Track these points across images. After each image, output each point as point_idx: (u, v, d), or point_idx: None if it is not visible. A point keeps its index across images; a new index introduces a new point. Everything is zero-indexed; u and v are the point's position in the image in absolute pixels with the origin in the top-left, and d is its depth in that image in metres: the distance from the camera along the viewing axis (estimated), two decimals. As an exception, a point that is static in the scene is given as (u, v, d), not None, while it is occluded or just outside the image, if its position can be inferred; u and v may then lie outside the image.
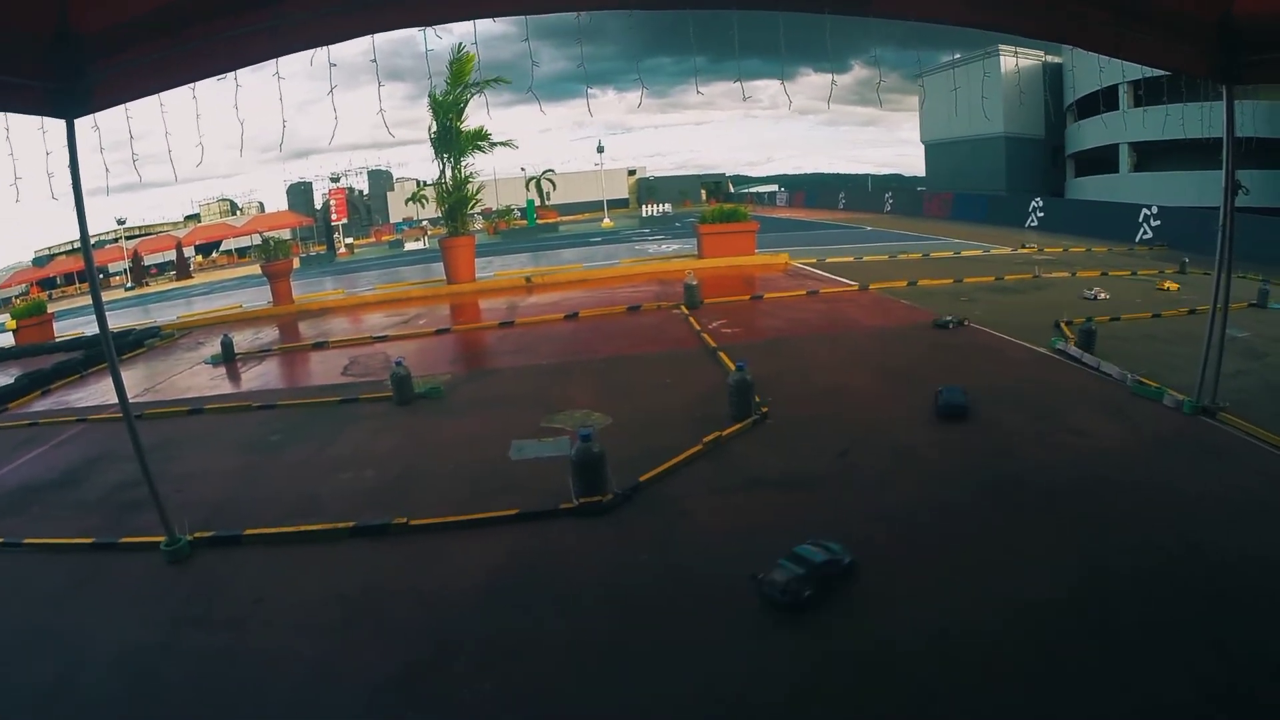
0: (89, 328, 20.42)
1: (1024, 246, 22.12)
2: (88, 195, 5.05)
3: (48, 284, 56.19)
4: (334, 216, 58.04)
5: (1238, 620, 3.95)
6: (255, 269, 28.14)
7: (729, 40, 5.71)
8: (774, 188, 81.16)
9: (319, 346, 13.82)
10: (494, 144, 20.65)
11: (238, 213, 77.72)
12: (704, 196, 76.32)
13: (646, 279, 19.07)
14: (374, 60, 5.22)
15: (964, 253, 21.36)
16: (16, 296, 47.23)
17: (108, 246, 57.74)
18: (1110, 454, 6.31)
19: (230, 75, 5.19)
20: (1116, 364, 8.35)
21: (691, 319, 12.93)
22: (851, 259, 20.45)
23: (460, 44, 18.12)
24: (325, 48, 5.10)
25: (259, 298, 21.73)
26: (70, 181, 4.99)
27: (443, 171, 20.28)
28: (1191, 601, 4.13)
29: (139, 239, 60.71)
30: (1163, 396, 7.36)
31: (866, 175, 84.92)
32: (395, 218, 73.28)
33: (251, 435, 8.50)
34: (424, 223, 56.86)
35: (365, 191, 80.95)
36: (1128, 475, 5.86)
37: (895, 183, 74.20)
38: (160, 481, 5.66)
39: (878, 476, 6.15)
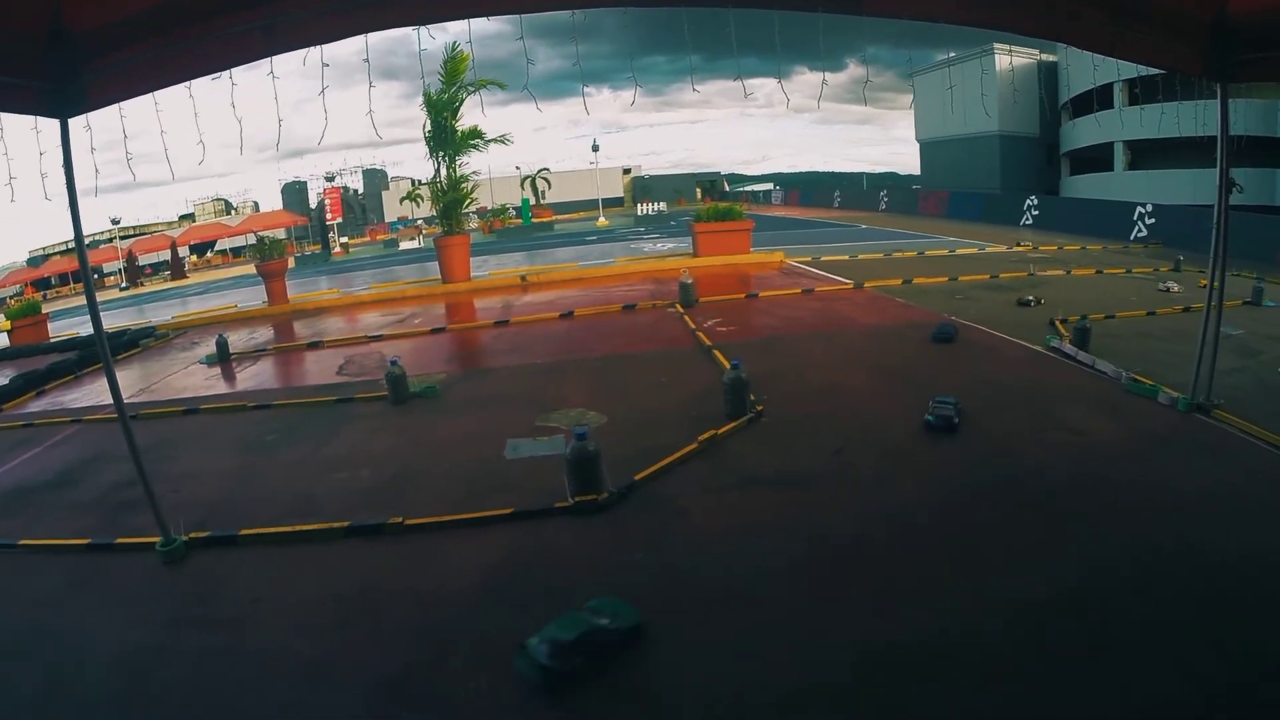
0: (84, 328, 20.38)
1: (1019, 244, 22.14)
2: (81, 195, 5.05)
3: (42, 284, 56.13)
4: (329, 216, 57.96)
5: (1235, 619, 3.95)
6: (250, 269, 28.08)
7: (724, 39, 5.71)
8: (769, 186, 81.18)
9: (314, 346, 13.81)
10: (489, 141, 20.63)
11: (232, 212, 77.69)
12: (699, 195, 76.41)
13: (642, 278, 19.08)
14: (366, 60, 5.21)
15: (959, 251, 21.39)
16: (11, 297, 46.98)
17: (102, 246, 57.66)
18: (1105, 452, 6.32)
19: (225, 74, 5.18)
20: (1111, 362, 8.37)
21: (686, 317, 12.94)
22: (846, 257, 20.47)
23: (454, 43, 18.18)
24: (319, 47, 5.10)
25: (254, 297, 21.70)
26: (65, 181, 4.99)
27: (437, 170, 20.26)
28: (1189, 600, 4.14)
29: (134, 239, 60.60)
30: (1157, 394, 7.38)
31: (862, 174, 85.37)
32: (390, 217, 73.27)
33: (247, 435, 8.49)
34: (419, 222, 56.78)
35: (360, 191, 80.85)
36: (1123, 473, 5.87)
37: (890, 181, 74.46)
38: (156, 482, 5.66)
39: (873, 475, 6.15)
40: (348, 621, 4.59)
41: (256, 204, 79.87)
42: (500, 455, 7.07)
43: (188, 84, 5.15)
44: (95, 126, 5.20)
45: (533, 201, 67.40)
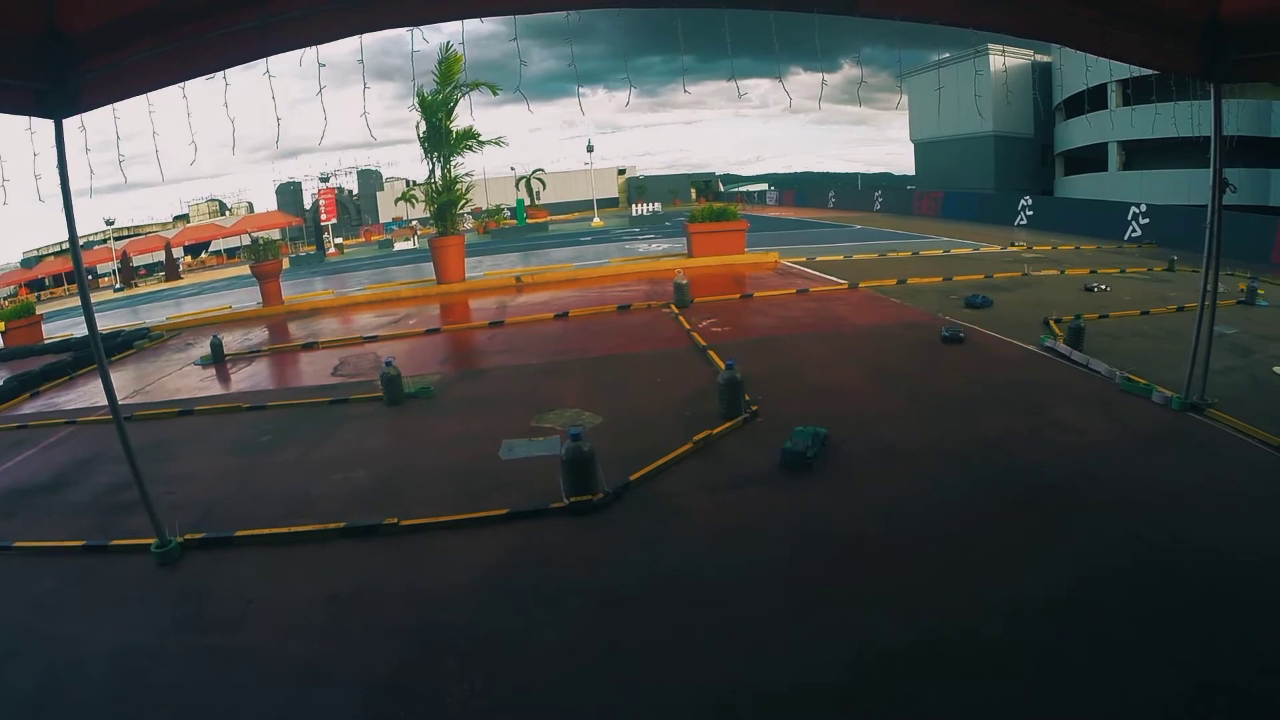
0: (78, 329, 20.37)
1: (1013, 244, 22.20)
2: (76, 196, 5.04)
3: (36, 285, 56.09)
4: (323, 216, 58.09)
5: (1228, 615, 3.97)
6: (245, 269, 28.05)
7: (719, 39, 5.72)
8: (764, 187, 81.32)
9: (309, 347, 13.79)
10: (483, 143, 20.61)
11: (227, 213, 77.63)
12: (694, 195, 76.50)
13: (636, 278, 19.09)
14: (361, 60, 5.22)
15: (954, 251, 21.42)
16: (5, 298, 47.02)
17: (96, 247, 57.59)
18: (1100, 450, 6.34)
19: (219, 74, 5.18)
20: (1105, 361, 8.38)
21: (681, 318, 12.95)
22: (841, 257, 20.49)
23: (449, 43, 18.16)
24: (315, 48, 5.10)
25: (248, 298, 21.67)
26: (59, 182, 4.98)
27: (432, 171, 20.26)
28: (1182, 597, 4.16)
29: (127, 240, 60.57)
30: (1151, 393, 7.39)
31: (856, 174, 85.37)
32: (385, 217, 73.28)
33: (242, 436, 8.48)
34: (414, 222, 56.78)
35: (355, 191, 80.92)
36: (1117, 471, 5.88)
37: (885, 181, 74.51)
38: (151, 483, 5.65)
39: (868, 474, 6.16)
40: (343, 622, 4.59)
41: (251, 205, 79.87)
42: (495, 456, 7.06)
43: (182, 85, 5.15)
44: (89, 128, 5.20)
45: (528, 202, 67.41)
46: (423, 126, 19.75)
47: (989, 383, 8.32)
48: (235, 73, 5.22)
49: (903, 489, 5.83)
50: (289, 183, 74.64)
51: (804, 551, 4.98)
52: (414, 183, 24.17)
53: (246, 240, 51.73)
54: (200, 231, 68.08)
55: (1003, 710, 3.45)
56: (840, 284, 15.53)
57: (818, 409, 7.73)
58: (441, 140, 19.77)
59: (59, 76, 4.86)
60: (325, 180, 65.82)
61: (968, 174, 50.48)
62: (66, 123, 5.00)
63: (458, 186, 20.43)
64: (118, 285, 47.32)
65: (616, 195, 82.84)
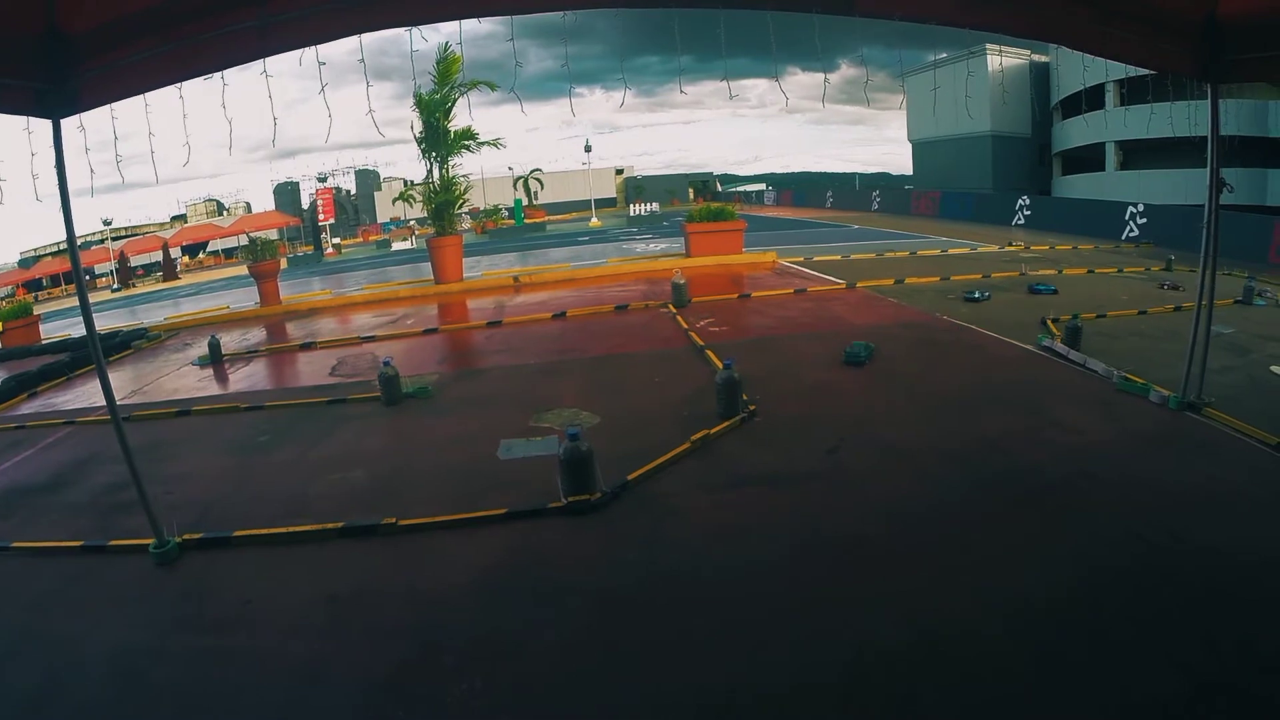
0: (76, 329, 20.35)
1: (1011, 244, 22.20)
2: (73, 196, 5.04)
3: (34, 285, 56.02)
4: (321, 216, 58.10)
5: (1228, 615, 3.97)
6: (242, 270, 28.04)
7: (717, 40, 5.73)
8: (761, 186, 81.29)
9: (307, 347, 13.78)
10: (481, 143, 20.60)
11: (224, 213, 77.55)
12: (691, 195, 76.45)
13: (634, 278, 19.09)
14: (362, 60, 5.22)
15: (951, 251, 21.43)
16: (2, 298, 47.00)
17: (94, 248, 57.59)
18: (1097, 449, 6.35)
19: (217, 75, 5.18)
20: (1102, 360, 8.39)
21: (679, 318, 12.96)
22: (839, 257, 20.50)
23: (446, 43, 18.15)
24: (314, 47, 5.10)
25: (246, 298, 21.66)
26: (57, 182, 4.98)
27: (430, 171, 20.24)
28: (1182, 596, 4.16)
29: (125, 240, 60.52)
30: (1149, 392, 7.40)
31: (854, 174, 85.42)
32: (383, 217, 73.29)
33: (240, 436, 8.47)
34: (411, 222, 56.83)
35: (352, 191, 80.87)
36: (1117, 471, 5.89)
37: (883, 181, 74.53)
38: (149, 483, 5.65)
39: (866, 474, 6.17)
40: (342, 622, 4.59)
41: (248, 205, 79.81)
42: (493, 455, 7.07)
43: (179, 85, 5.14)
44: (86, 127, 5.20)
45: (525, 202, 67.43)
46: (420, 126, 19.72)
47: (987, 382, 8.33)
48: (232, 73, 5.23)
49: (902, 489, 5.83)
50: (286, 183, 74.58)
51: (803, 551, 4.98)
52: (412, 183, 24.20)
53: (244, 240, 51.69)
54: (198, 232, 68.04)
55: (1003, 710, 3.45)
56: (838, 284, 15.54)
57: (816, 408, 7.75)
58: (439, 140, 19.75)
59: (58, 76, 4.85)
60: (323, 180, 65.78)
61: (965, 174, 50.50)
62: (64, 123, 5.00)
63: (455, 186, 20.41)
64: (115, 285, 47.33)
65: (614, 195, 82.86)
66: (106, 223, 57.37)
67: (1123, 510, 5.21)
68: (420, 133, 19.76)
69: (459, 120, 20.15)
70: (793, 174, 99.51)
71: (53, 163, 4.95)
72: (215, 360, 12.96)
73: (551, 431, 7.49)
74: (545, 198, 72.92)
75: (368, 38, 5.20)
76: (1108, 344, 9.49)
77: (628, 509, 5.77)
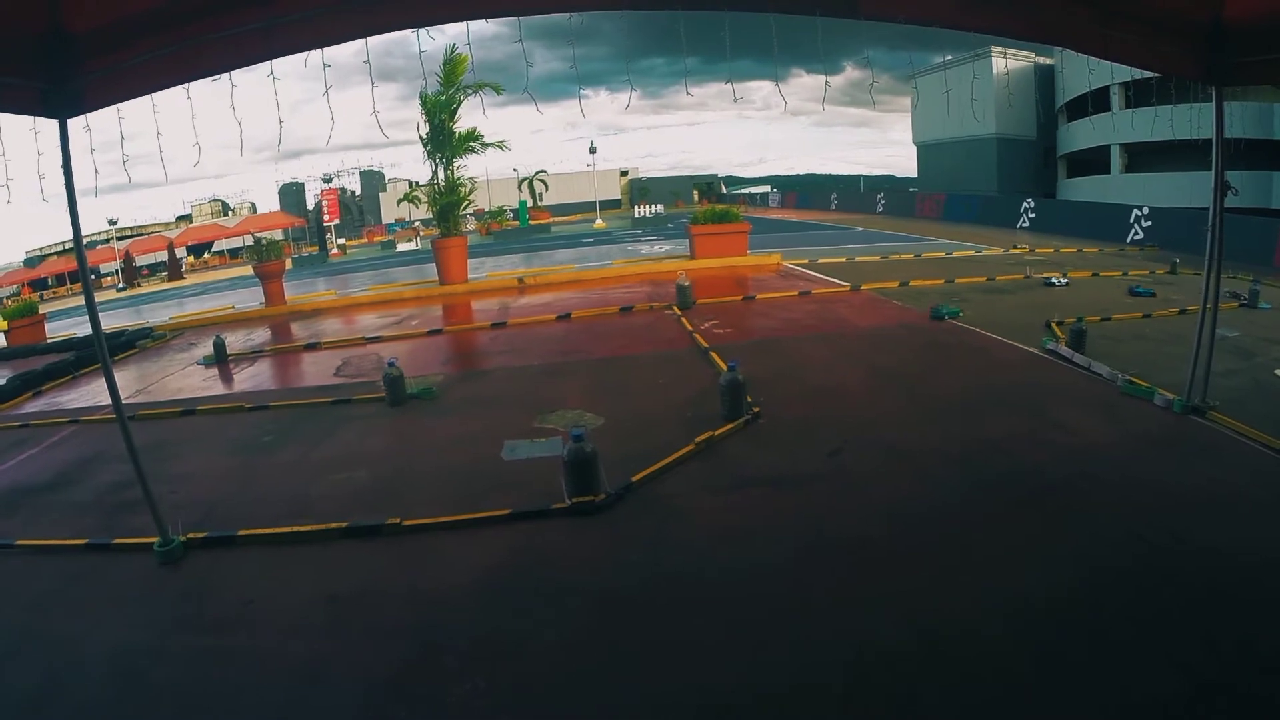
0: (81, 328, 20.40)
1: (1016, 247, 22.17)
2: (80, 196, 5.05)
3: (39, 284, 56.14)
4: (326, 217, 58.06)
5: (1229, 616, 3.98)
6: (247, 270, 28.04)
7: (721, 41, 5.73)
8: (766, 189, 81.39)
9: (311, 347, 13.81)
10: (486, 145, 20.62)
11: (230, 213, 77.65)
12: (696, 197, 76.49)
13: (639, 280, 19.09)
14: (367, 61, 5.22)
15: (956, 253, 21.39)
16: (8, 297, 47.10)
17: (99, 247, 57.57)
18: (1101, 452, 6.35)
19: (224, 75, 5.19)
20: (1107, 364, 8.39)
21: (684, 319, 12.96)
22: (843, 260, 20.48)
23: (453, 45, 18.15)
24: (320, 50, 5.11)
25: (251, 299, 21.68)
26: (64, 182, 4.99)
27: (435, 172, 20.26)
28: (1183, 597, 4.16)
29: (130, 239, 60.59)
30: (1153, 396, 7.40)
31: (859, 176, 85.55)
32: (388, 218, 73.36)
33: (245, 436, 8.49)
34: (416, 224, 56.82)
35: (358, 192, 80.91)
36: (1119, 473, 5.89)
37: (887, 183, 74.59)
38: (153, 482, 5.66)
39: (870, 476, 6.17)
40: (344, 622, 4.60)
41: (254, 205, 79.93)
42: (498, 456, 7.07)
43: (186, 86, 5.16)
44: (92, 127, 5.21)
45: (530, 203, 67.41)
46: (425, 127, 19.73)
47: (991, 385, 8.32)
48: (237, 74, 5.24)
49: (904, 490, 5.84)
50: (292, 183, 74.70)
51: (806, 552, 4.99)
52: (417, 184, 24.17)
53: (249, 240, 51.78)
54: (203, 232, 68.10)
55: (1003, 710, 3.45)
56: (842, 286, 15.53)
57: (820, 410, 7.76)
58: (444, 141, 19.77)
59: (63, 76, 4.87)
60: (328, 181, 65.88)
61: (970, 176, 50.45)
62: (71, 122, 5.02)
63: (460, 188, 20.43)
64: (120, 285, 47.36)
65: (619, 197, 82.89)
66: (112, 222, 57.42)
67: (1124, 511, 5.21)
68: (426, 134, 19.76)
69: (468, 121, 20.20)
70: (797, 176, 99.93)
71: (59, 162, 4.97)
72: (220, 360, 12.99)
73: (556, 433, 7.50)
74: (550, 199, 72.96)
75: (374, 39, 5.21)
76: (1112, 347, 9.48)
77: (632, 510, 5.77)
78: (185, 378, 12.25)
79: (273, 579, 5.20)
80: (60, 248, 61.35)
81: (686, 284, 14.31)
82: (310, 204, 68.74)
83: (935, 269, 17.64)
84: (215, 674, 4.17)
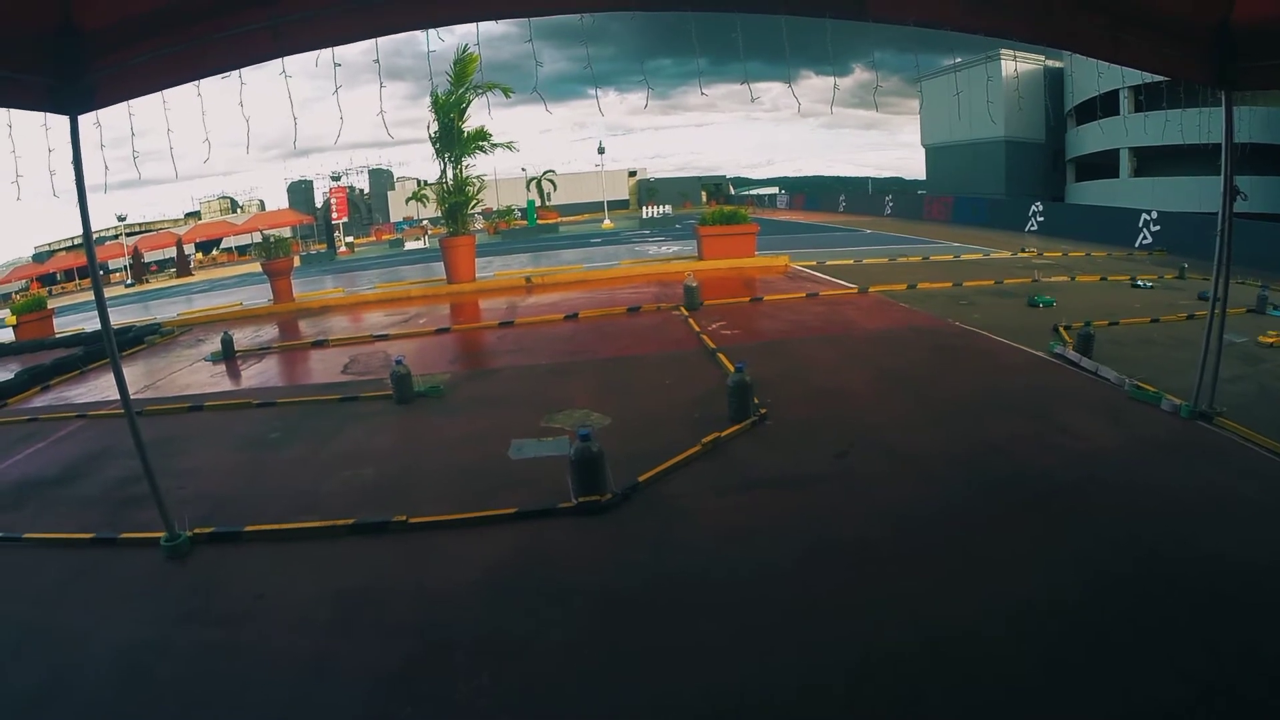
0: (89, 324, 20.46)
1: (1024, 250, 22.15)
2: (89, 192, 5.07)
3: (48, 280, 56.29)
4: (334, 215, 58.17)
5: (1233, 621, 3.97)
6: (256, 267, 28.14)
7: (730, 42, 5.73)
8: (774, 190, 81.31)
9: (319, 345, 13.84)
10: (495, 145, 20.62)
11: (238, 210, 77.75)
12: (704, 198, 76.32)
13: (646, 280, 19.08)
14: (377, 60, 5.24)
15: (964, 256, 21.38)
16: (17, 292, 47.26)
17: (108, 243, 57.68)
18: (1107, 457, 6.34)
19: (233, 73, 5.21)
20: (1114, 368, 8.38)
21: (691, 320, 12.95)
22: (851, 262, 20.46)
23: (465, 45, 18.12)
24: (329, 48, 5.12)
25: (259, 295, 21.76)
26: (74, 178, 5.01)
27: (444, 171, 20.27)
28: (1187, 602, 4.16)
29: (139, 236, 60.71)
30: (1160, 401, 7.38)
31: (867, 178, 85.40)
32: (396, 217, 73.39)
33: (252, 432, 8.51)
34: (424, 222, 56.90)
35: (366, 190, 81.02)
36: (1125, 477, 5.89)
37: (895, 186, 74.34)
38: (160, 477, 5.67)
39: (876, 478, 6.17)
40: (350, 618, 4.61)
41: (262, 203, 79.97)
42: (504, 455, 7.09)
43: (196, 83, 5.18)
44: (102, 124, 5.23)
45: (538, 203, 67.44)
46: (435, 126, 19.75)
47: (997, 388, 8.31)
48: (247, 72, 5.25)
49: (910, 492, 5.84)
50: (300, 181, 74.71)
51: (811, 554, 4.99)
52: (425, 182, 24.19)
53: (258, 238, 51.89)
54: (212, 228, 68.23)
55: (1006, 712, 3.46)
56: (850, 288, 15.52)
57: (827, 412, 7.76)
58: (453, 140, 19.77)
59: (74, 73, 4.89)
60: (337, 179, 65.81)
61: (979, 179, 50.34)
62: (81, 118, 5.03)
63: (469, 187, 20.45)
64: (129, 281, 47.52)
65: (627, 197, 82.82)
66: (121, 218, 57.52)
67: (1129, 516, 5.21)
68: (435, 133, 19.78)
69: (477, 120, 20.20)
70: (805, 178, 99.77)
71: (69, 159, 4.99)
72: (228, 356, 13.01)
73: (562, 432, 7.50)
74: (558, 199, 72.98)
75: (383, 38, 5.23)
76: (1120, 351, 9.46)
77: (638, 510, 5.78)
78: (193, 374, 12.29)
79: (279, 575, 5.21)
80: (69, 243, 61.41)
81: (694, 285, 14.31)
82: (319, 202, 68.76)
83: (943, 272, 17.61)
84: (221, 669, 4.19)
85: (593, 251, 29.95)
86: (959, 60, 45.55)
